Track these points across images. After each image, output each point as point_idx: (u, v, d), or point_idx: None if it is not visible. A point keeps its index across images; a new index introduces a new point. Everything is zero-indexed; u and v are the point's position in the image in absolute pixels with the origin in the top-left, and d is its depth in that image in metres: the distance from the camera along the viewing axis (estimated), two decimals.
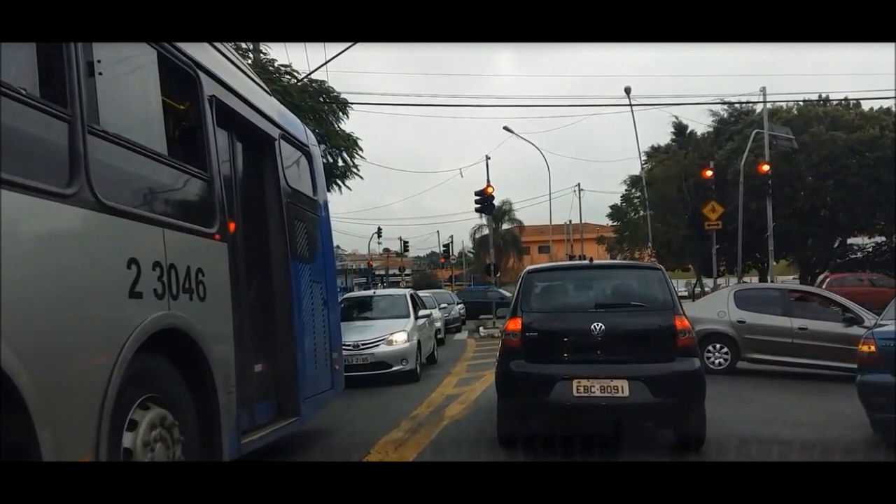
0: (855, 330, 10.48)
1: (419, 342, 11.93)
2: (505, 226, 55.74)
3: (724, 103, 35.35)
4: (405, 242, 56.59)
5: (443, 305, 21.96)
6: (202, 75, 4.28)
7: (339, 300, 13.61)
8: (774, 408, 8.44)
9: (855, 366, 10.32)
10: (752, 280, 33.09)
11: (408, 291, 14.29)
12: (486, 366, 12.07)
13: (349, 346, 10.36)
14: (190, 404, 3.82)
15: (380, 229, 53.41)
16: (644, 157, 36.16)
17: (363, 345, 11.02)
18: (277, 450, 6.25)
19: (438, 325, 19.44)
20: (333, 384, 6.80)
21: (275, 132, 5.81)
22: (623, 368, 5.88)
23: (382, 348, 11.06)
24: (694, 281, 36.79)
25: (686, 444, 6.09)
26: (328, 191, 16.55)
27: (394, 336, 11.26)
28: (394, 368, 11.01)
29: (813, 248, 35.14)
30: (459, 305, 27.25)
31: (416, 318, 12.33)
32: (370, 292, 16.58)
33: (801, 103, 33.73)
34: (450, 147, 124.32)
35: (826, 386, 10.05)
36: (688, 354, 5.96)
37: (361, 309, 13.03)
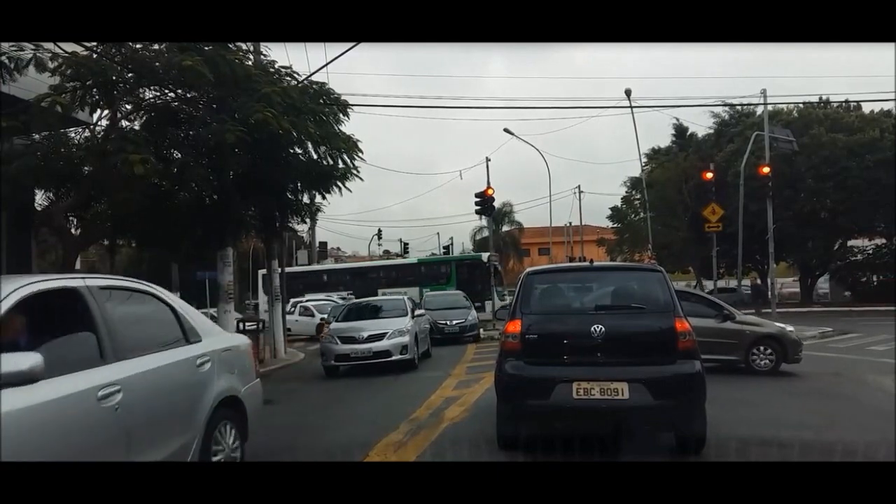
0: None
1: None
2: (505, 228, 55.73)
3: (724, 105, 35.51)
4: (405, 244, 56.60)
5: (419, 312, 15.64)
6: None
7: None
8: (774, 409, 8.43)
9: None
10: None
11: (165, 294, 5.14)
12: (485, 368, 12.04)
13: None
14: None
15: (380, 231, 53.45)
16: (644, 160, 36.25)
17: None
18: (277, 450, 6.25)
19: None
20: None
21: None
22: (623, 371, 5.85)
23: None
24: (693, 283, 36.79)
25: (686, 447, 6.06)
26: (328, 192, 16.29)
27: None
28: None
29: (813, 251, 35.18)
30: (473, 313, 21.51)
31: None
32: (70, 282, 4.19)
33: (802, 105, 33.83)
34: (449, 149, 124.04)
35: (825, 387, 10.08)
36: (688, 357, 5.92)
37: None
